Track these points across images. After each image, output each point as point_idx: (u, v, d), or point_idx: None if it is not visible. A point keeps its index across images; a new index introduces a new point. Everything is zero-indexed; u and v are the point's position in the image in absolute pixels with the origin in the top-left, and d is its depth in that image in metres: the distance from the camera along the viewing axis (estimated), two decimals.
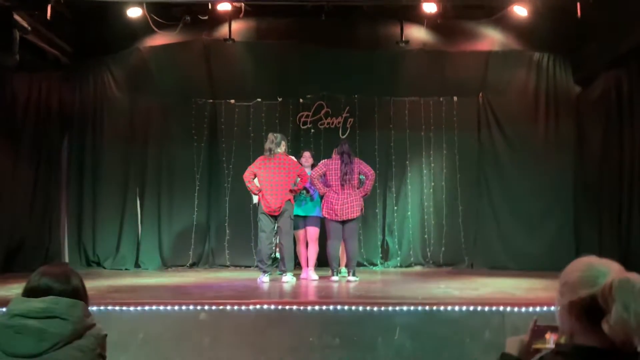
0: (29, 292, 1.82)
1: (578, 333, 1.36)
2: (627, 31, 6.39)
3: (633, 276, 1.29)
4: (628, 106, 6.88)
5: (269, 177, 5.84)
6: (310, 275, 6.12)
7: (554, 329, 1.58)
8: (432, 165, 7.91)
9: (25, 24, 6.06)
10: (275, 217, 5.88)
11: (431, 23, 7.51)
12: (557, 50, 7.69)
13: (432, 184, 7.89)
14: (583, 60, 7.56)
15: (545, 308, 3.92)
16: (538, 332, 1.64)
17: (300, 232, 6.32)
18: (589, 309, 1.32)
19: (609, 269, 1.32)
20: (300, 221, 6.28)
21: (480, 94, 7.88)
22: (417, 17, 7.37)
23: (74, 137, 7.79)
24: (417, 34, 7.73)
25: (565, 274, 1.40)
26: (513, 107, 7.75)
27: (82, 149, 7.73)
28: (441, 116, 7.88)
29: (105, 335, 1.89)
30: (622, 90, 6.98)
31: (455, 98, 7.89)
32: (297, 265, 6.51)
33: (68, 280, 1.84)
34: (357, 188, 6.08)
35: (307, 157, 6.55)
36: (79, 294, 1.84)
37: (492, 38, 7.78)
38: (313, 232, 6.28)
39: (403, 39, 7.57)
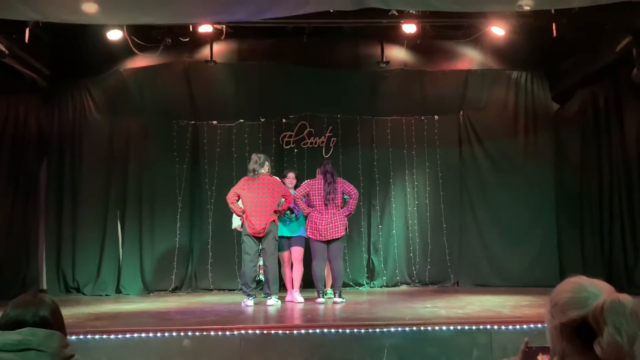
0: (3, 327, 1.76)
1: (569, 355, 1.33)
2: (601, 49, 6.57)
3: (624, 297, 1.27)
4: (605, 121, 7.06)
5: (252, 198, 5.78)
6: (296, 297, 6.03)
7: (545, 350, 1.56)
8: (416, 183, 7.95)
9: (2, 48, 5.97)
10: (259, 239, 5.79)
11: (411, 43, 7.62)
12: (535, 68, 7.85)
13: (416, 201, 7.92)
14: (560, 77, 7.74)
15: (532, 325, 3.91)
16: (530, 354, 1.61)
17: (285, 254, 6.25)
18: (580, 331, 1.29)
19: (600, 290, 1.30)
20: (285, 242, 6.21)
21: (461, 112, 7.98)
22: (397, 38, 7.48)
23: (52, 161, 7.64)
24: (397, 54, 7.84)
25: (555, 294, 1.37)
26: (493, 124, 7.86)
27: (61, 172, 7.59)
28: (423, 134, 7.96)
29: None
30: (598, 105, 7.16)
31: (436, 117, 7.98)
32: (282, 288, 6.43)
33: (36, 309, 1.78)
34: (341, 207, 6.06)
35: (291, 178, 6.49)
36: (49, 323, 1.77)
37: (470, 57, 7.92)
38: (298, 252, 6.20)
39: (384, 59, 7.69)
